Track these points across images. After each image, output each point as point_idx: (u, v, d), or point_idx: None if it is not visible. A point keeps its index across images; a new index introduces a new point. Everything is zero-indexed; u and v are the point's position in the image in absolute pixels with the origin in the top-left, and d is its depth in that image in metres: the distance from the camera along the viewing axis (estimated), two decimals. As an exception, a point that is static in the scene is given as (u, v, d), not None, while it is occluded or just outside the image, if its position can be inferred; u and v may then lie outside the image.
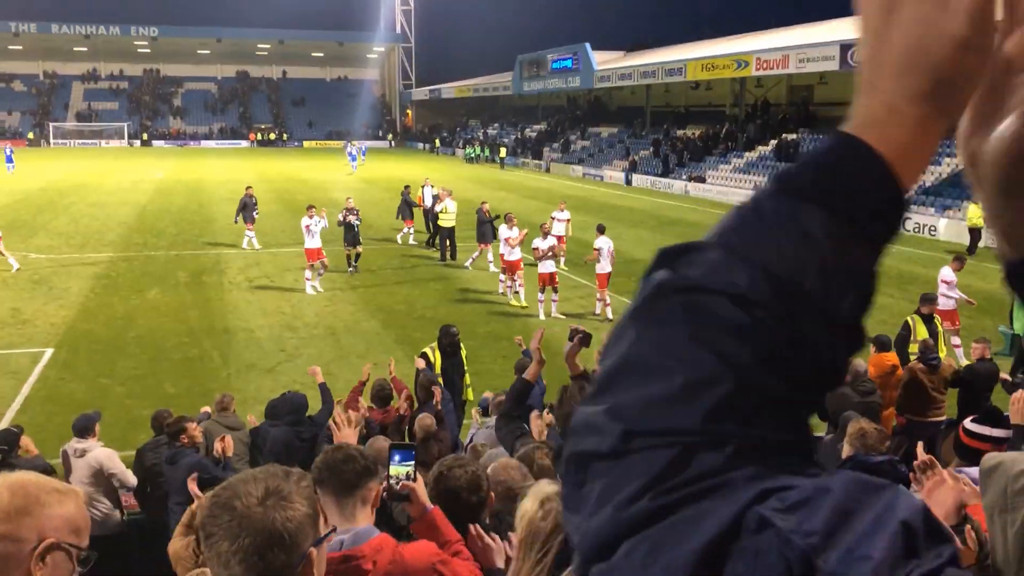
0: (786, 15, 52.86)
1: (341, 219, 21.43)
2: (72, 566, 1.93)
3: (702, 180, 45.98)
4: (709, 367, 0.66)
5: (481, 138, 79.39)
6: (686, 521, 0.62)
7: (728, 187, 43.35)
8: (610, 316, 17.22)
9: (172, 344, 15.42)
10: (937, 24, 0.68)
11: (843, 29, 40.51)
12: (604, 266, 17.60)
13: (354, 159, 56.99)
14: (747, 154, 46.38)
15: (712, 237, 0.72)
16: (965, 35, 0.68)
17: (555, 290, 17.58)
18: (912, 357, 11.11)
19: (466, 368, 11.21)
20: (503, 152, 67.65)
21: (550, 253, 17.35)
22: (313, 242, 19.64)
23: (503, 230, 18.93)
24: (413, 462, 3.47)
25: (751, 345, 0.66)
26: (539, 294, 17.58)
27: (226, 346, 15.39)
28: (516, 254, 18.46)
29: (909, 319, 11.66)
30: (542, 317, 17.36)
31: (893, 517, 0.59)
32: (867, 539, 0.58)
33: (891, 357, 10.38)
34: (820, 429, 8.58)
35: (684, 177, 47.34)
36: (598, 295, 17.97)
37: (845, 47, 36.18)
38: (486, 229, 21.60)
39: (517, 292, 18.47)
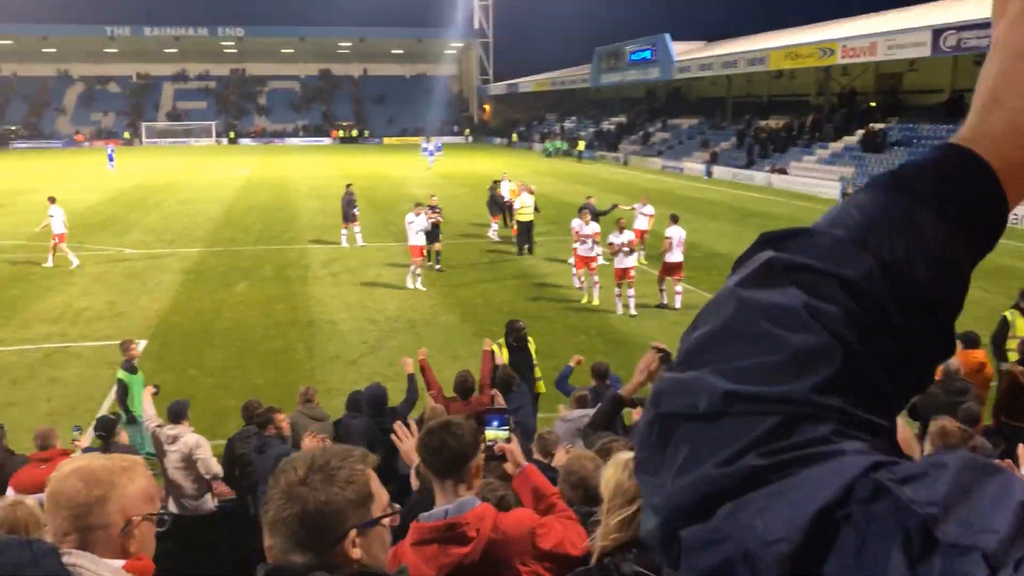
0: (873, 0, 51.18)
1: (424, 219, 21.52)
2: (154, 529, 2.15)
3: (785, 172, 44.93)
4: (820, 343, 0.67)
5: (560, 132, 79.07)
6: (795, 486, 0.63)
7: (813, 178, 42.25)
8: (677, 305, 17.67)
9: (259, 336, 15.82)
10: None
11: (934, 13, 39.09)
12: (675, 255, 17.42)
13: (431, 155, 57.60)
14: (832, 144, 45.13)
15: (823, 225, 0.74)
16: None
17: (630, 285, 17.40)
18: (1010, 355, 10.66)
19: (535, 362, 11.10)
20: (581, 145, 67.33)
21: (626, 248, 17.15)
22: (417, 239, 19.71)
23: (577, 224, 18.76)
24: (508, 426, 3.78)
25: (860, 330, 0.68)
26: (616, 289, 17.44)
27: (310, 338, 15.71)
28: (593, 250, 18.28)
29: (1007, 314, 11.17)
30: (619, 312, 17.22)
31: (1012, 497, 0.59)
32: (988, 514, 0.58)
33: (979, 355, 9.97)
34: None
35: (766, 169, 46.35)
36: (662, 285, 17.83)
37: (937, 32, 34.82)
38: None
39: (591, 288, 18.24)
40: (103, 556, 1.99)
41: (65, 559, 1.92)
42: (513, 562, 3.13)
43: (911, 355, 0.70)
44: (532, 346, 11.19)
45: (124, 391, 10.25)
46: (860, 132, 43.76)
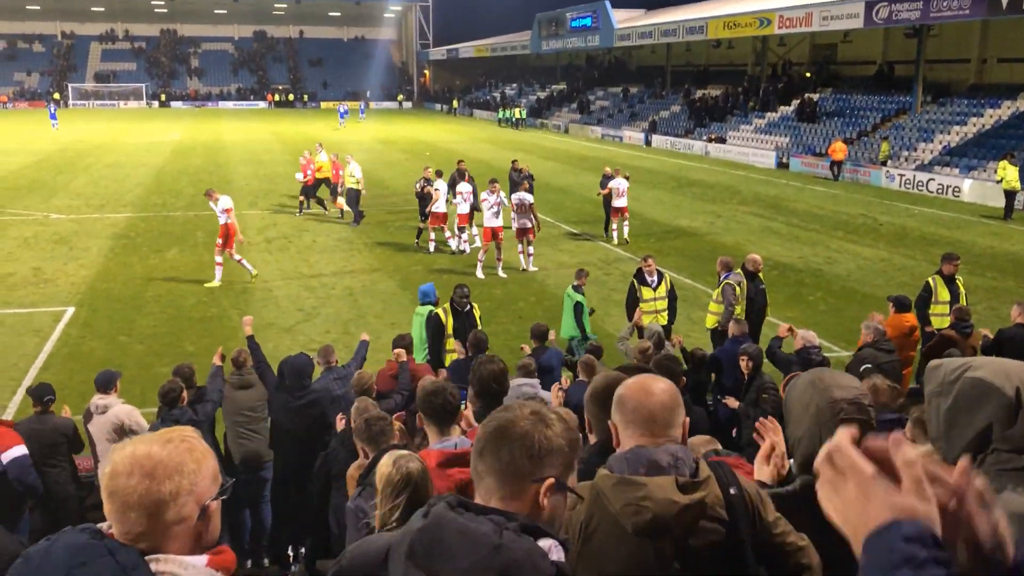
0: (810, -28, 51.44)
1: (418, 189, 20.82)
2: (219, 504, 1.99)
3: (723, 140, 45.41)
4: None
5: (500, 99, 78.49)
6: None
7: (749, 147, 42.80)
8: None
9: (191, 303, 15.50)
10: None
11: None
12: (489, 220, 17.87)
13: (342, 116, 62.97)
14: (768, 114, 45.72)
15: None
16: None
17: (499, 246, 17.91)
18: (932, 318, 11.00)
19: (479, 326, 11.07)
20: (519, 113, 67.17)
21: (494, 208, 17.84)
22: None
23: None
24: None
25: None
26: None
27: (244, 305, 15.44)
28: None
29: (930, 280, 11.52)
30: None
31: None
32: None
33: (909, 318, 10.28)
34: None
35: (704, 138, 46.79)
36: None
37: (870, 4, 35.36)
38: None
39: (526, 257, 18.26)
40: (181, 551, 1.87)
41: (154, 567, 1.80)
42: None
43: None
44: (477, 312, 11.15)
45: (580, 311, 11.73)
46: (795, 102, 44.39)
